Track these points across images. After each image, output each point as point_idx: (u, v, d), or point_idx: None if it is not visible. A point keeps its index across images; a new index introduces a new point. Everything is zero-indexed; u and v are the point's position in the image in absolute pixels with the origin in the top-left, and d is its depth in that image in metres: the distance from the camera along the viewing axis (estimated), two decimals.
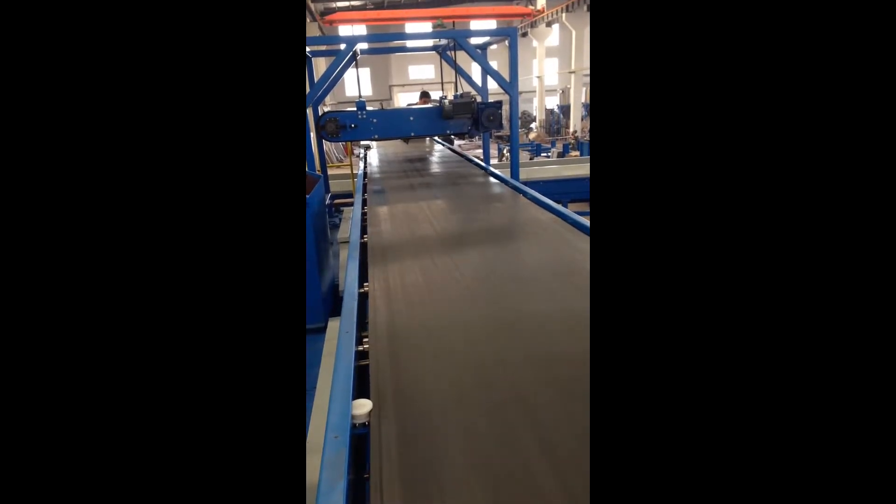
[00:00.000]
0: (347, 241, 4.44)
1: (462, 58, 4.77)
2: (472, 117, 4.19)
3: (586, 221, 2.30)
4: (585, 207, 5.71)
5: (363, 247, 2.31)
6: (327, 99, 7.04)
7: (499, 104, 4.22)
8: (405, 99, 21.32)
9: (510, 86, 4.28)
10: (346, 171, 6.82)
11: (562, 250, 2.06)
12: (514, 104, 4.37)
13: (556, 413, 1.03)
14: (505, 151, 10.78)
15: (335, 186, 6.25)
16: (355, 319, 1.44)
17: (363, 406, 1.02)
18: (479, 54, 4.47)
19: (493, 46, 5.84)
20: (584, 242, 2.10)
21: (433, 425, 1.00)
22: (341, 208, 5.91)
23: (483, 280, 1.79)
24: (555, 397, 1.08)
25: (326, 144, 6.78)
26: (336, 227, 5.25)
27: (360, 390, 1.16)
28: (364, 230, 2.60)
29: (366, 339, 1.39)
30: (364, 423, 1.01)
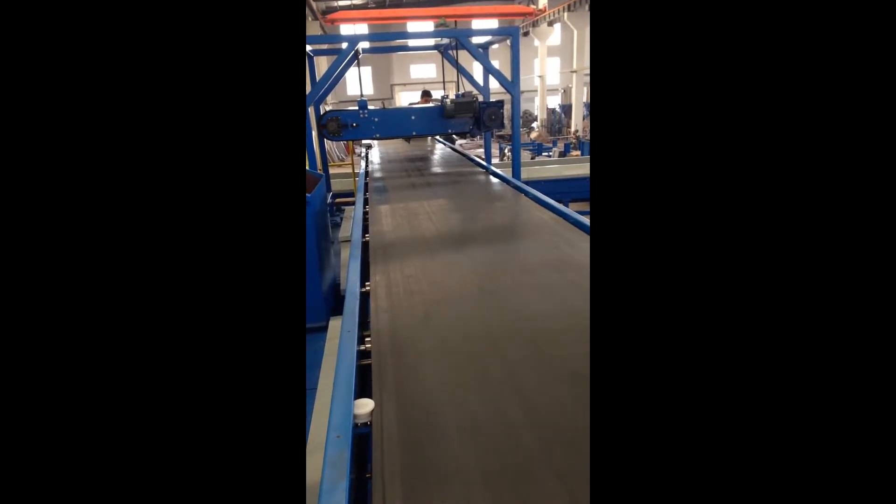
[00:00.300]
0: (348, 240, 4.44)
1: (464, 57, 4.77)
2: (473, 116, 4.18)
3: (587, 221, 2.30)
4: (586, 207, 5.70)
5: (365, 246, 2.31)
6: (329, 98, 7.05)
7: (500, 103, 4.22)
8: (407, 98, 21.30)
9: (512, 85, 4.28)
10: (348, 170, 6.82)
11: (563, 250, 2.06)
12: (515, 103, 4.36)
13: (556, 411, 1.03)
14: (506, 151, 10.77)
15: (336, 185, 6.25)
16: (357, 319, 1.44)
17: (365, 405, 1.02)
18: (481, 53, 4.46)
19: (495, 46, 5.83)
20: (585, 242, 2.10)
21: (435, 424, 1.00)
22: (342, 207, 5.91)
23: (485, 279, 1.79)
24: (557, 397, 1.08)
25: (328, 143, 6.78)
26: (337, 226, 5.25)
27: (362, 389, 1.16)
28: (366, 229, 2.60)
29: (367, 339, 1.39)
30: (366, 423, 1.01)
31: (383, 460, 0.91)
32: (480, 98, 4.56)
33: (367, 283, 1.81)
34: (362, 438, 1.02)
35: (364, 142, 6.02)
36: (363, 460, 1.03)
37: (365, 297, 1.70)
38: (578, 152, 10.92)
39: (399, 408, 1.07)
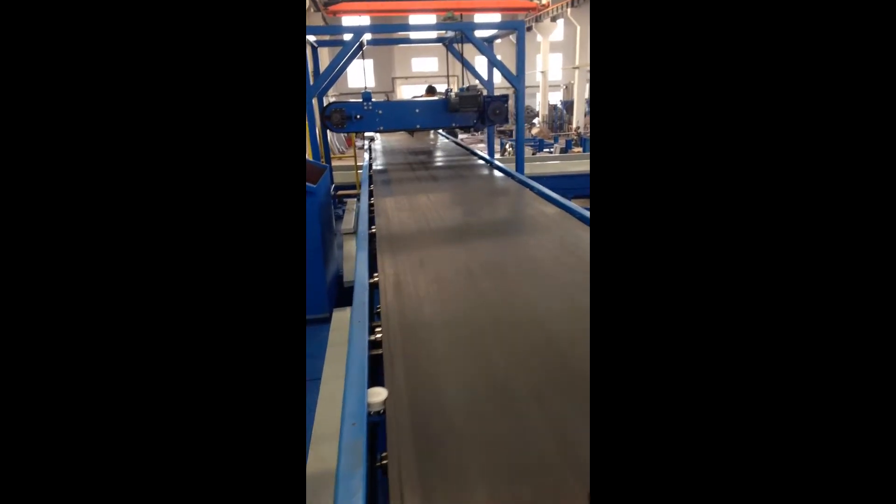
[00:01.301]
0: (351, 233, 4.41)
1: (466, 51, 4.75)
2: (478, 111, 4.17)
3: (587, 213, 2.30)
4: (587, 204, 5.69)
5: (371, 237, 2.30)
6: (330, 91, 6.98)
7: (505, 98, 4.20)
8: (408, 91, 21.20)
9: (517, 79, 4.26)
10: (349, 162, 6.80)
11: (566, 245, 2.06)
12: (520, 98, 4.35)
13: (562, 398, 1.04)
14: (507, 146, 10.73)
15: (337, 178, 6.23)
16: (367, 309, 1.44)
17: (378, 394, 1.02)
18: (487, 47, 4.44)
19: (498, 41, 5.80)
20: (587, 233, 2.11)
21: (445, 414, 1.01)
22: (345, 199, 5.90)
23: (489, 270, 1.79)
24: (559, 387, 1.09)
25: (329, 135, 6.76)
26: (339, 218, 5.24)
27: (372, 379, 1.17)
28: (372, 221, 2.59)
29: (377, 329, 1.40)
30: (379, 412, 1.01)
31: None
32: (485, 92, 4.55)
33: (374, 274, 1.81)
34: (375, 426, 1.02)
35: (367, 134, 6.00)
36: (373, 450, 1.03)
37: (373, 288, 1.71)
38: (580, 149, 10.90)
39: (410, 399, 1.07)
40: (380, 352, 1.28)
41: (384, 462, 0.89)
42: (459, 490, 0.83)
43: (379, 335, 1.35)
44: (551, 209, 2.63)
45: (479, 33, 4.51)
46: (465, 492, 0.82)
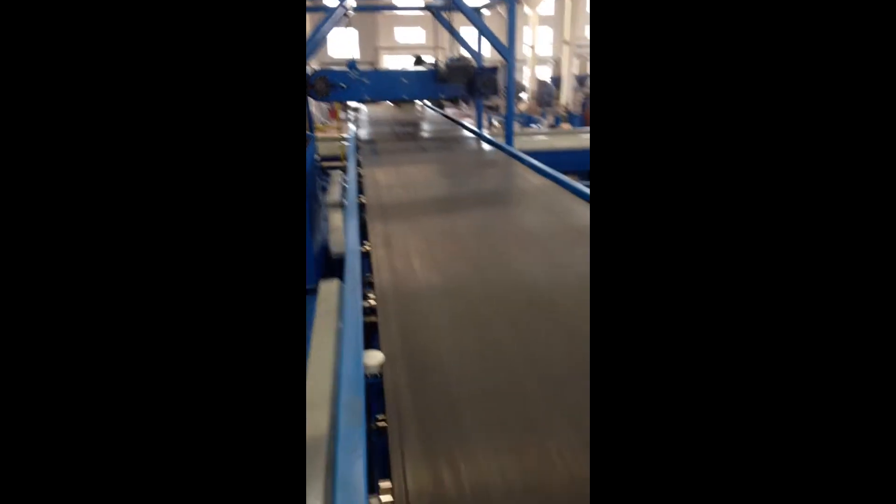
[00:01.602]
0: (336, 204, 4.36)
1: (454, 22, 4.63)
2: (467, 82, 4.11)
3: (578, 185, 2.31)
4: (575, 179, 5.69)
5: (360, 207, 2.28)
6: (312, 62, 6.72)
7: (495, 70, 4.14)
8: (392, 62, 20.72)
9: (508, 51, 4.18)
10: (331, 134, 6.66)
11: (553, 211, 2.07)
12: (511, 69, 4.28)
13: (546, 335, 1.06)
14: (494, 121, 10.63)
15: (321, 150, 6.10)
16: (359, 276, 1.43)
17: (375, 356, 1.02)
18: (477, 17, 4.35)
19: (487, 13, 5.67)
20: (577, 203, 2.12)
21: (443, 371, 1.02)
22: (328, 171, 5.79)
23: (477, 236, 1.80)
24: (542, 326, 1.11)
25: (311, 106, 6.59)
26: (324, 190, 5.16)
27: (365, 343, 1.17)
28: (360, 190, 2.56)
29: (369, 296, 1.39)
30: (375, 375, 1.01)
31: None
32: (474, 64, 4.47)
33: (365, 243, 1.79)
34: (371, 388, 1.02)
35: (352, 105, 5.88)
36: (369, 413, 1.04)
37: (364, 256, 1.70)
38: (568, 125, 10.84)
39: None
40: (373, 319, 1.28)
41: (381, 423, 0.90)
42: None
43: (372, 302, 1.35)
44: (539, 179, 2.63)
45: (468, 2, 4.40)
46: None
